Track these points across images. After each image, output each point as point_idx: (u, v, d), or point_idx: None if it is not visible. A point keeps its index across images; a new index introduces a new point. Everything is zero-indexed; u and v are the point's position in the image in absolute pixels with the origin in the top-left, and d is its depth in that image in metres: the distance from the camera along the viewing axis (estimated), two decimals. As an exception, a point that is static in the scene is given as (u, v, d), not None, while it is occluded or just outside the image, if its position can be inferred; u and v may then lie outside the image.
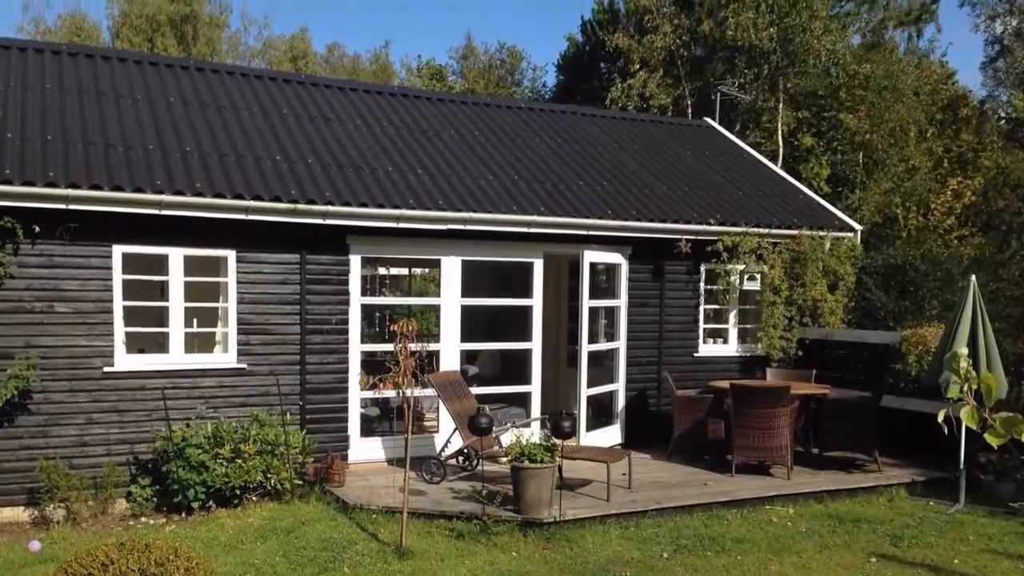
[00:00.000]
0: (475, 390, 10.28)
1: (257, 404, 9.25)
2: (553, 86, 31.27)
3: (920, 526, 8.41)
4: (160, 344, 9.15)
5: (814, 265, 12.10)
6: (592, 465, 9.19)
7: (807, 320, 12.13)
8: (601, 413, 11.30)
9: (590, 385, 10.66)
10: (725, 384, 10.22)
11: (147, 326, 9.20)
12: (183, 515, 8.35)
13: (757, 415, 9.52)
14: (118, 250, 8.67)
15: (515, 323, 11.13)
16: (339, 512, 8.32)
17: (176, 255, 8.92)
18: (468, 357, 12.75)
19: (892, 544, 7.84)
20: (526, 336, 10.88)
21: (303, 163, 9.89)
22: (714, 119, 16.80)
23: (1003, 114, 25.26)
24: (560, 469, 8.20)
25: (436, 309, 11.13)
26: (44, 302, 8.43)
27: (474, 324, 10.91)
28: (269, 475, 8.52)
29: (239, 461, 8.37)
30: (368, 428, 10.49)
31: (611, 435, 11.19)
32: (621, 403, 11.44)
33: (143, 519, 8.32)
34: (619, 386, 11.42)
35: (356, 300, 9.87)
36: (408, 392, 7.43)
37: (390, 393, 8.65)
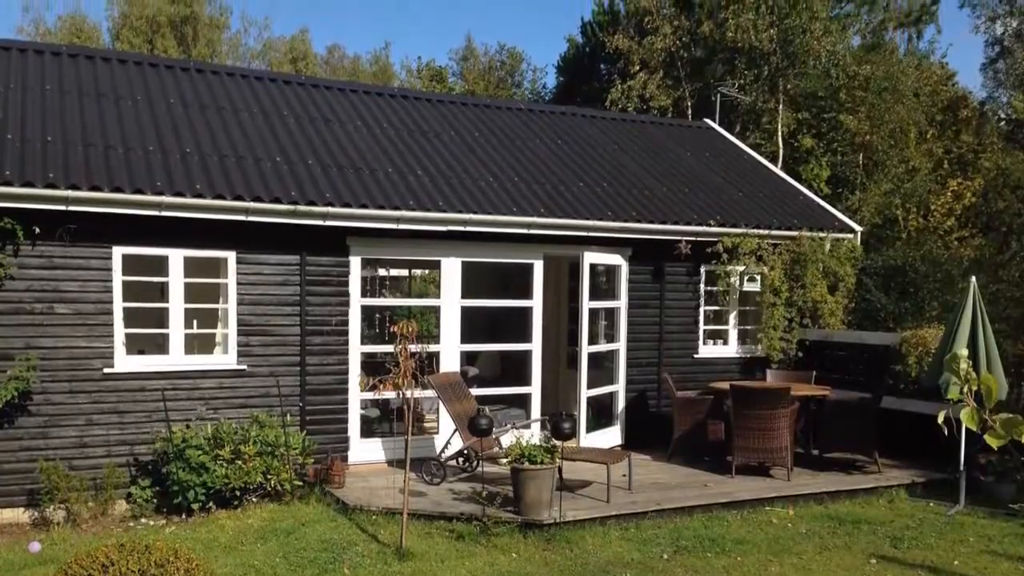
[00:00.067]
0: (475, 391, 10.28)
1: (257, 405, 9.25)
2: (553, 87, 31.29)
3: (920, 527, 8.41)
4: (160, 345, 9.15)
5: (814, 266, 12.10)
6: (592, 466, 9.19)
7: (807, 321, 12.13)
8: (601, 414, 11.30)
9: (590, 386, 10.66)
10: (725, 385, 10.22)
11: (147, 327, 9.20)
12: (183, 516, 8.34)
13: (757, 416, 9.52)
14: (118, 251, 8.68)
15: (515, 324, 11.13)
16: (339, 513, 8.32)
17: (176, 256, 8.93)
18: (468, 358, 12.75)
19: (892, 545, 7.84)
20: (526, 337, 10.88)
21: (303, 164, 9.90)
22: (714, 120, 16.81)
23: (1003, 115, 25.27)
24: (560, 470, 8.20)
25: (436, 310, 11.13)
26: (44, 303, 8.43)
27: (474, 325, 10.91)
28: (269, 476, 8.52)
29: (239, 462, 8.37)
30: (368, 429, 10.49)
31: (611, 436, 11.19)
32: (621, 404, 11.44)
33: (143, 520, 8.32)
34: (619, 387, 11.42)
35: (356, 301, 9.87)
36: (408, 393, 7.43)
37: (390, 394, 8.66)
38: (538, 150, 12.47)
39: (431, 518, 8.01)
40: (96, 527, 8.15)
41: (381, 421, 11.24)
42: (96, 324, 8.62)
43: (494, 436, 9.24)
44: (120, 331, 8.75)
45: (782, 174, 14.81)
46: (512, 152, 12.11)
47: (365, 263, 10.19)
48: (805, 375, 11.21)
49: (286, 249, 9.41)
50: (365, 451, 9.94)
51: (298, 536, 7.62)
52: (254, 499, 8.58)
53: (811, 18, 20.55)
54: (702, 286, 11.89)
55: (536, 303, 10.78)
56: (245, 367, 9.27)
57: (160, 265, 8.93)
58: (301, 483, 8.81)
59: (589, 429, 10.69)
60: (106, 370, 8.66)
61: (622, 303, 11.34)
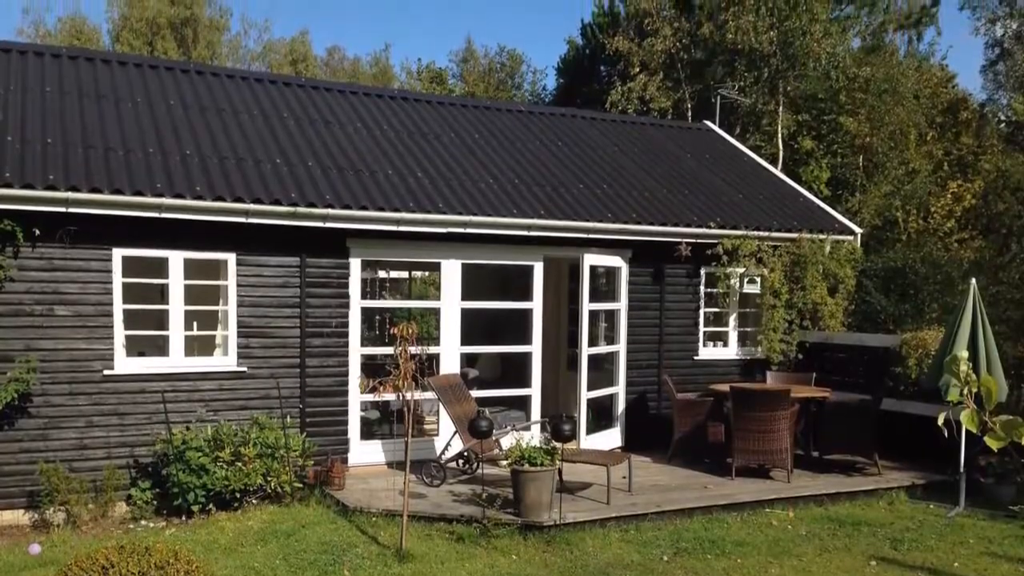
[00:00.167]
0: (475, 393, 10.28)
1: (257, 407, 9.25)
2: (553, 89, 31.30)
3: (920, 529, 8.41)
4: (160, 347, 9.15)
5: (814, 268, 12.10)
6: (592, 468, 9.18)
7: (807, 323, 12.13)
8: (601, 416, 11.30)
9: (590, 388, 10.66)
10: (725, 387, 10.22)
11: (147, 329, 9.21)
12: (183, 518, 8.34)
13: (757, 418, 9.52)
14: (118, 253, 8.68)
15: (515, 326, 11.13)
16: (339, 515, 8.32)
17: (176, 258, 8.93)
18: (468, 360, 12.75)
19: (892, 547, 7.84)
20: (526, 339, 10.88)
21: (303, 166, 9.90)
22: (714, 122, 16.82)
23: (1003, 117, 25.28)
24: (560, 472, 8.20)
25: (436, 312, 11.13)
26: (44, 305, 8.43)
27: (474, 327, 10.91)
28: (269, 478, 8.52)
29: (239, 464, 8.37)
30: (368, 431, 10.48)
31: (611, 438, 11.19)
32: (621, 406, 11.43)
33: (143, 522, 8.32)
34: (619, 389, 11.42)
35: (356, 303, 9.87)
36: (408, 395, 7.44)
37: (390, 396, 8.64)
38: (538, 152, 12.48)
39: (431, 520, 8.01)
40: (96, 529, 8.15)
41: (381, 423, 11.24)
42: (96, 326, 8.62)
43: (494, 438, 9.24)
44: (120, 333, 8.75)
45: (782, 176, 14.82)
46: (512, 154, 12.12)
47: (365, 265, 10.19)
48: (805, 377, 11.21)
49: (286, 251, 9.41)
50: (365, 453, 9.94)
51: (298, 538, 7.62)
52: (254, 501, 8.58)
53: (811, 20, 20.55)
54: (702, 288, 11.89)
55: (536, 305, 10.78)
56: (245, 369, 9.27)
57: (160, 267, 8.93)
58: (301, 485, 8.81)
59: (589, 431, 10.69)
60: (106, 372, 8.66)
61: (622, 305, 11.34)
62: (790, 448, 9.63)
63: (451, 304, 10.40)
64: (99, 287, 8.62)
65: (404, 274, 17.22)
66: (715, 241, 11.52)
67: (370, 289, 15.19)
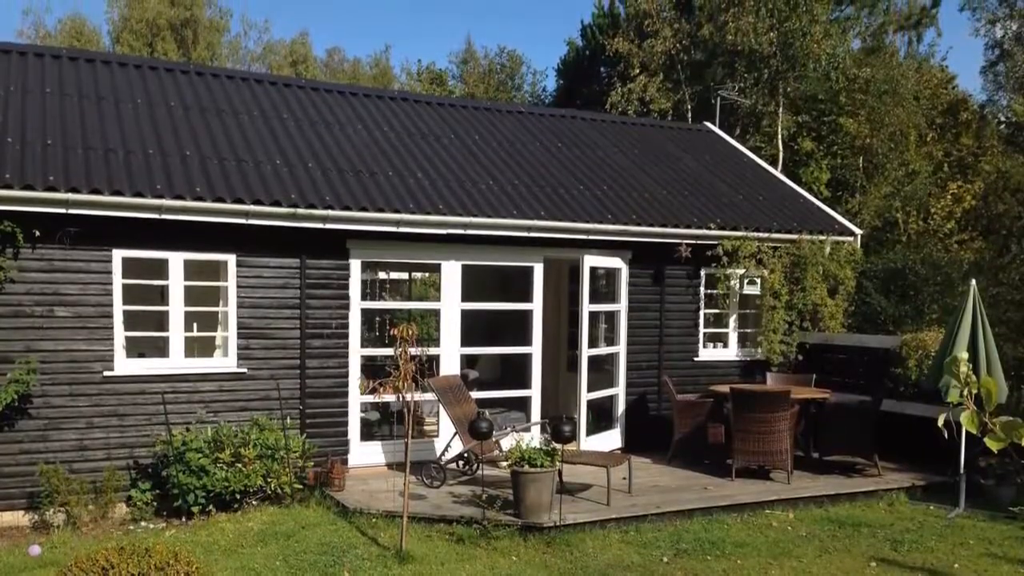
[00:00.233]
0: (475, 394, 10.28)
1: (257, 408, 9.25)
2: (553, 90, 31.31)
3: (920, 530, 8.41)
4: (160, 348, 9.15)
5: (814, 269, 12.11)
6: (592, 469, 9.18)
7: (807, 324, 12.13)
8: (601, 417, 11.30)
9: (590, 389, 10.66)
10: (725, 388, 10.22)
11: (147, 330, 9.21)
12: (183, 519, 8.34)
13: (757, 419, 9.52)
14: (118, 254, 8.68)
15: (515, 327, 11.13)
16: (339, 516, 8.32)
17: (176, 259, 8.93)
18: (468, 361, 12.75)
19: (892, 548, 7.83)
20: (526, 340, 10.89)
21: (303, 167, 9.90)
22: (714, 123, 16.82)
23: (1003, 118, 25.28)
24: (560, 473, 8.19)
25: (436, 313, 11.13)
26: (44, 306, 8.43)
27: (474, 328, 10.91)
28: (269, 479, 8.52)
29: (239, 465, 8.37)
30: (368, 432, 10.49)
31: (611, 439, 11.19)
32: (621, 407, 11.43)
33: (143, 523, 8.31)
34: (619, 390, 11.42)
35: (356, 304, 9.87)
36: (408, 396, 7.43)
37: (390, 397, 8.66)
38: (538, 153, 12.48)
39: (431, 521, 8.00)
40: (96, 530, 8.14)
41: (381, 424, 11.24)
42: (96, 327, 8.62)
43: (494, 439, 9.24)
44: (120, 334, 8.75)
45: (782, 177, 14.82)
46: (512, 155, 12.12)
47: (365, 266, 10.19)
48: (805, 378, 11.21)
49: (286, 252, 9.41)
50: (365, 454, 9.94)
51: (298, 539, 7.62)
52: (254, 502, 8.58)
53: (811, 21, 20.57)
54: (702, 289, 11.89)
55: (536, 306, 10.78)
56: (245, 370, 9.27)
57: (160, 268, 8.93)
58: (301, 486, 8.80)
59: (589, 432, 10.69)
60: (106, 373, 8.66)
61: (622, 306, 11.34)
62: (790, 449, 9.63)
63: (451, 305, 10.40)
64: (99, 288, 8.62)
65: (404, 275, 17.21)
66: (715, 242, 11.52)
67: (370, 290, 15.18)
